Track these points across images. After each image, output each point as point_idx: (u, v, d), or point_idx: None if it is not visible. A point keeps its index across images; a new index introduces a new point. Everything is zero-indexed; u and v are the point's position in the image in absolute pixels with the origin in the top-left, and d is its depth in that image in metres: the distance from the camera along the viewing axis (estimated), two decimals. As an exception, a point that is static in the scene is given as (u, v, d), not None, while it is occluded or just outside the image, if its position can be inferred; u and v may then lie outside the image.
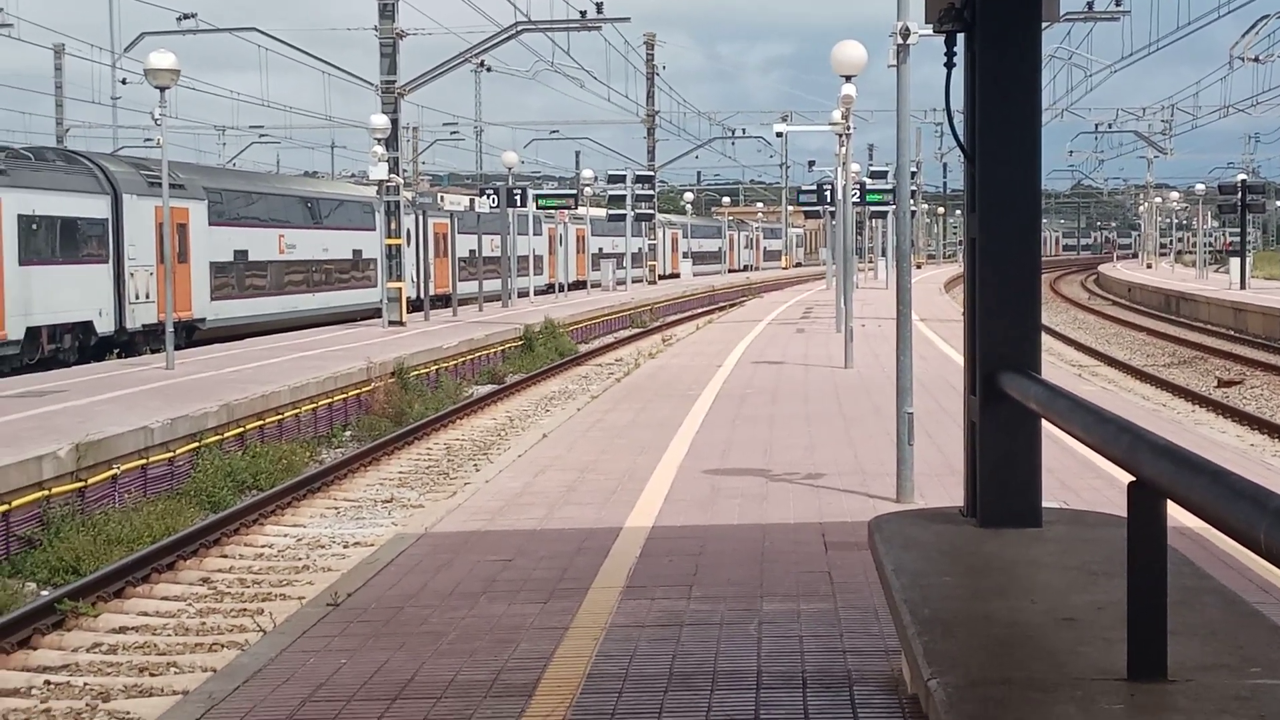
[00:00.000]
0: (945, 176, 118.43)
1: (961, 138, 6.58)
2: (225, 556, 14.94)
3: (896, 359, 11.49)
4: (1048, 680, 4.27)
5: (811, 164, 63.74)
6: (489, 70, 37.61)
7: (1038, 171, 6.50)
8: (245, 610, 12.68)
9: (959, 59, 6.64)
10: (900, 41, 10.84)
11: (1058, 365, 26.81)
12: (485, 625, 8.03)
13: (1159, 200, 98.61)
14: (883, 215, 47.49)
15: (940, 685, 4.24)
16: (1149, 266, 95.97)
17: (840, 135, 29.47)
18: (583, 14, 35.71)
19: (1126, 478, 4.30)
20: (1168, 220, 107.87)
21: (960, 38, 6.56)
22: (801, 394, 19.76)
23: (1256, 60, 42.58)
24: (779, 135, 26.86)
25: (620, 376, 24.16)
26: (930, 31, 11.35)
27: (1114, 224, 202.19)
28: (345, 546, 15.36)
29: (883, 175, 44.68)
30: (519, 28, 34.86)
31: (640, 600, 8.45)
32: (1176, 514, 4.18)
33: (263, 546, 15.44)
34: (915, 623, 4.90)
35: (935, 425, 15.87)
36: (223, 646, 11.51)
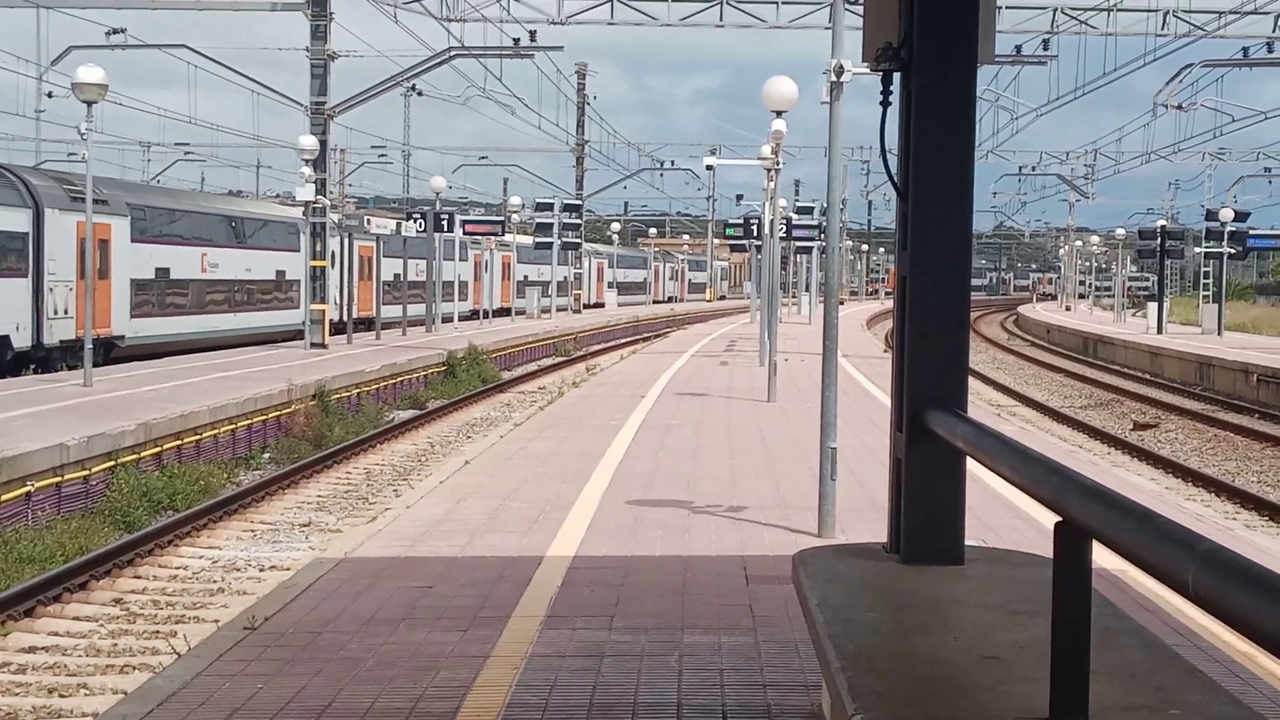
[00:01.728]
0: (870, 214, 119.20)
1: (895, 176, 6.61)
2: (139, 577, 14.75)
3: (822, 394, 11.53)
4: (971, 719, 4.27)
5: (739, 198, 64.10)
6: (420, 94, 37.52)
7: (969, 210, 6.54)
8: (158, 632, 12.52)
9: (894, 97, 6.67)
10: (834, 79, 10.90)
11: (978, 404, 27.01)
12: (404, 652, 7.96)
13: (1079, 244, 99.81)
14: (807, 251, 47.65)
15: None
16: (1068, 309, 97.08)
17: (769, 170, 29.62)
18: (515, 41, 35.73)
19: (1046, 517, 4.33)
20: (1087, 263, 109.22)
21: (896, 77, 6.59)
22: (725, 426, 19.79)
23: (1180, 108, 43.27)
24: (708, 168, 26.90)
25: (544, 405, 24.11)
26: (865, 69, 11.47)
27: (1034, 266, 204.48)
28: (261, 570, 15.21)
29: (809, 211, 44.94)
30: (452, 53, 34.81)
31: (561, 630, 8.41)
32: (1096, 555, 4.20)
33: (177, 568, 15.26)
34: (839, 658, 4.89)
35: (857, 461, 15.94)
36: (134, 669, 11.35)
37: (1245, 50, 36.74)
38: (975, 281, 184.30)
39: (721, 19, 35.69)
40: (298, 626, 8.57)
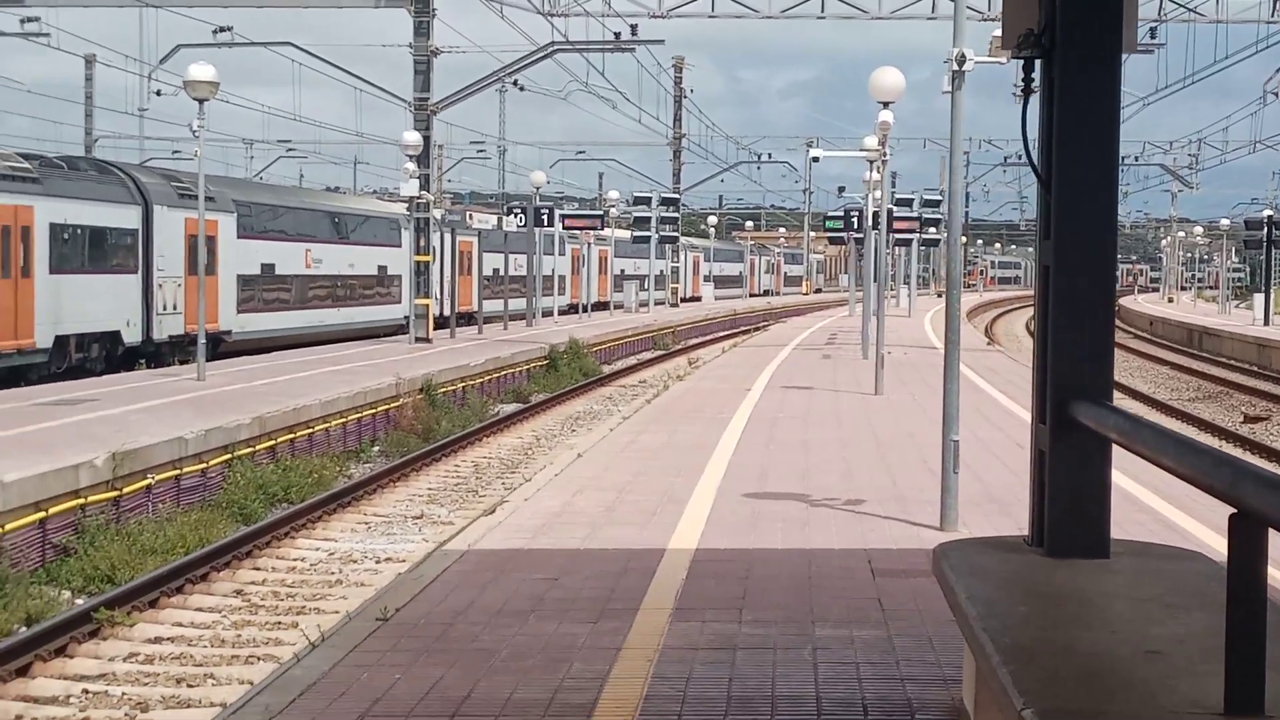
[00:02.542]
0: (968, 206, 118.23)
1: (1037, 164, 6.53)
2: (258, 569, 14.92)
3: (945, 386, 11.42)
4: (1143, 713, 4.20)
5: (841, 190, 63.77)
6: (521, 89, 37.68)
7: (1115, 200, 6.45)
8: (280, 624, 12.66)
9: (1036, 84, 6.60)
10: (956, 68, 10.80)
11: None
12: (537, 644, 7.98)
13: (1182, 234, 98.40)
14: (906, 243, 47.36)
15: (1036, 716, 4.18)
16: (1170, 300, 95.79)
17: (872, 161, 29.47)
18: (616, 35, 35.75)
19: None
20: (1190, 255, 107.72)
21: (1038, 64, 6.51)
22: (833, 419, 19.70)
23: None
24: (813, 160, 26.76)
25: (650, 398, 24.12)
26: (986, 58, 11.37)
27: (1133, 257, 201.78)
28: (378, 562, 15.34)
29: (909, 202, 44.61)
30: (553, 47, 34.90)
31: (691, 622, 8.40)
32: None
33: (295, 560, 15.42)
34: (998, 651, 4.83)
35: (971, 454, 15.76)
36: (259, 659, 11.48)
37: (1358, 36, 36.05)
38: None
39: (823, 10, 35.53)
40: (429, 618, 8.63)
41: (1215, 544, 10.01)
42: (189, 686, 10.72)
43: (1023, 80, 6.61)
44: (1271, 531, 4.10)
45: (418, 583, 9.64)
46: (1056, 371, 6.49)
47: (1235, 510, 4.16)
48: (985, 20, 35.96)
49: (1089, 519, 6.45)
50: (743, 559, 10.23)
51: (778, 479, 14.19)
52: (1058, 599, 5.78)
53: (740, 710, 6.78)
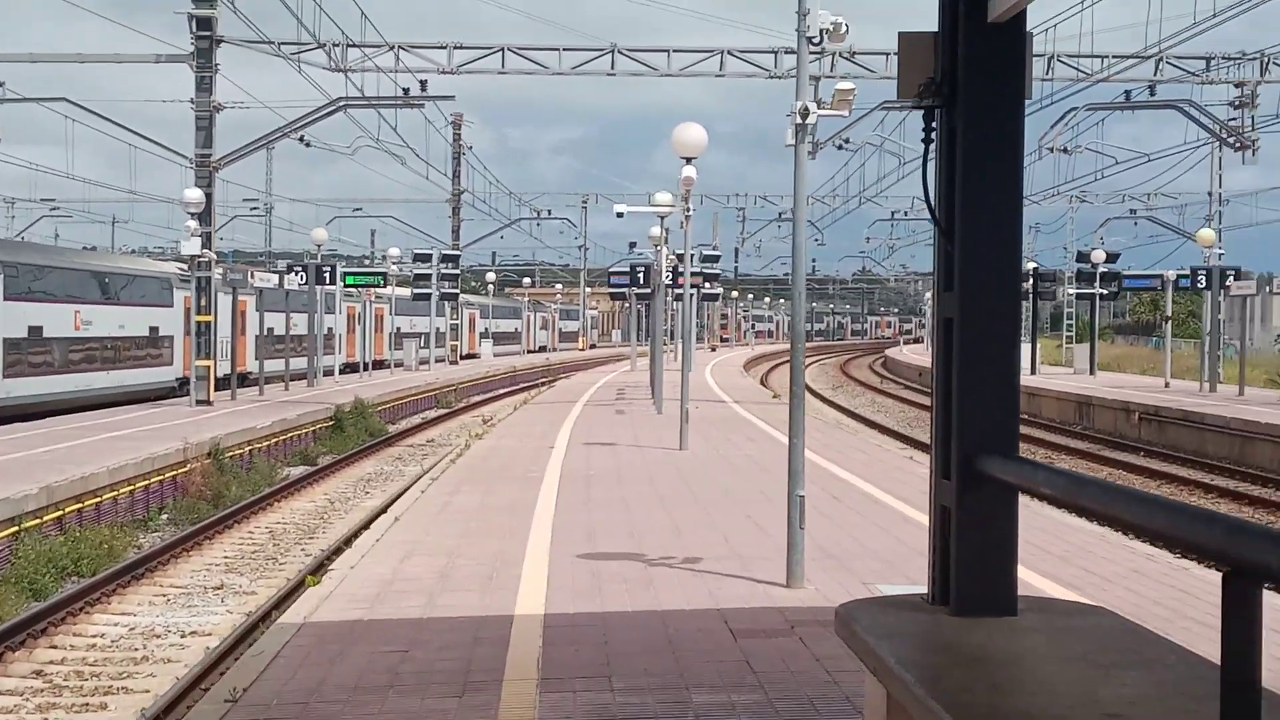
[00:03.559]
0: (736, 262, 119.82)
1: (938, 214, 6.39)
2: (55, 647, 14.11)
3: (789, 441, 11.27)
4: None
5: (633, 245, 64.02)
6: (308, 145, 36.91)
7: (1019, 250, 6.35)
8: (89, 705, 11.94)
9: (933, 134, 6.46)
10: (799, 120, 10.70)
11: (886, 449, 27.00)
12: (405, 722, 7.54)
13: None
14: (713, 298, 47.74)
15: None
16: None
17: (681, 215, 29.47)
18: (405, 91, 35.28)
19: None
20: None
21: (938, 113, 6.38)
22: (646, 477, 19.48)
23: (1065, 151, 43.95)
24: (618, 215, 26.65)
25: (454, 457, 23.62)
26: (829, 112, 11.31)
27: (895, 309, 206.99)
28: (182, 636, 14.63)
29: (715, 258, 45.01)
30: (343, 102, 34.27)
31: (563, 693, 8.04)
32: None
33: (94, 636, 14.62)
34: (960, 720, 4.60)
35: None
36: (72, 745, 10.78)
37: (1128, 94, 37.44)
38: (817, 326, 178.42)
39: (613, 67, 35.55)
40: (281, 697, 8.11)
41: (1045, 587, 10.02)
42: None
43: (923, 130, 6.47)
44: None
45: (259, 659, 9.09)
46: (963, 426, 6.33)
47: (1228, 568, 4.01)
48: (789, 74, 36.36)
49: (998, 576, 6.29)
50: (596, 623, 9.90)
51: (607, 538, 13.89)
52: (988, 662, 5.58)
53: (640, 787, 6.45)
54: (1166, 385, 44.87)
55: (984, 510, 6.31)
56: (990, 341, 6.29)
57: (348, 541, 18.76)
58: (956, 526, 6.34)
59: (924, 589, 8.58)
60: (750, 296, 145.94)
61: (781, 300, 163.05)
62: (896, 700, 5.76)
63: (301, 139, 36.11)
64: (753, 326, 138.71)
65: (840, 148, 47.64)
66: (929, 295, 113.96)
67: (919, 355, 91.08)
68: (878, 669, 5.74)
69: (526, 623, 9.96)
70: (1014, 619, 6.25)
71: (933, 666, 5.49)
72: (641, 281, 42.14)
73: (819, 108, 10.67)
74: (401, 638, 9.60)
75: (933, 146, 6.46)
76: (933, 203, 6.44)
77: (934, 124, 6.41)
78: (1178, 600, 10.68)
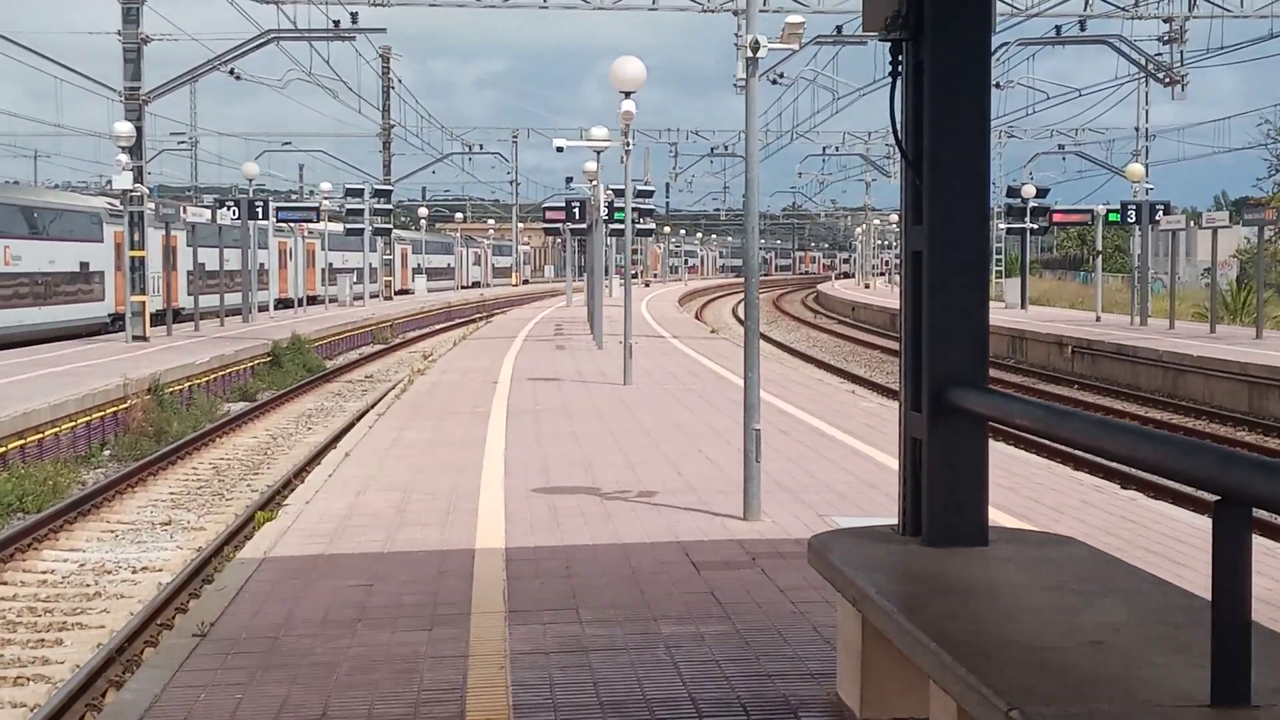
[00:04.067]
0: (668, 198, 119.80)
1: (906, 147, 6.45)
2: (5, 584, 14.06)
3: (745, 375, 11.36)
4: (1131, 711, 4.11)
5: (569, 180, 63.75)
6: (238, 78, 36.46)
7: (987, 183, 6.42)
8: (44, 640, 11.92)
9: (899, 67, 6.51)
10: (750, 54, 10.72)
11: (827, 384, 27.16)
12: (377, 655, 7.60)
13: (877, 223, 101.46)
14: (649, 233, 47.67)
15: (1026, 718, 4.05)
16: (866, 287, 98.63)
17: (598, 152, 29.41)
18: (336, 23, 34.90)
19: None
20: (882, 242, 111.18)
21: (906, 46, 6.43)
22: (594, 412, 19.54)
23: (997, 86, 44.16)
24: (559, 150, 26.57)
25: (399, 392, 23.58)
26: (779, 46, 11.33)
27: (825, 245, 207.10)
28: (134, 571, 14.62)
29: (649, 194, 44.94)
30: (272, 34, 33.87)
31: (531, 625, 8.12)
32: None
33: (44, 573, 14.58)
34: (948, 649, 4.70)
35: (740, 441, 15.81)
36: (28, 680, 10.80)
37: (1058, 29, 37.61)
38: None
39: (546, 1, 35.31)
40: (250, 631, 8.14)
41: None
42: (-43, 716, 9.95)
43: (890, 63, 6.52)
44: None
45: (224, 594, 9.11)
46: (933, 359, 6.41)
47: (1221, 497, 4.11)
48: (706, 11, 36.27)
49: (969, 507, 6.40)
50: (558, 556, 9.97)
51: (561, 473, 13.95)
52: (966, 592, 5.68)
53: (616, 714, 6.54)
54: (1098, 319, 45.33)
55: (955, 442, 6.41)
56: (959, 274, 6.36)
57: (297, 476, 18.76)
58: (928, 458, 6.43)
59: (879, 520, 8.74)
60: (682, 232, 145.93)
61: (714, 236, 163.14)
62: (874, 629, 5.88)
63: (231, 71, 35.71)
64: (685, 261, 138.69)
65: (775, 82, 47.54)
66: (859, 230, 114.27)
67: (850, 290, 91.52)
68: (857, 599, 5.84)
69: (488, 556, 10.02)
70: (986, 549, 6.36)
71: (913, 596, 5.60)
72: (578, 217, 42.03)
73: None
74: (365, 571, 9.64)
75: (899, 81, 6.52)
76: (900, 136, 6.49)
77: (900, 57, 6.45)
78: (1129, 530, 10.88)
